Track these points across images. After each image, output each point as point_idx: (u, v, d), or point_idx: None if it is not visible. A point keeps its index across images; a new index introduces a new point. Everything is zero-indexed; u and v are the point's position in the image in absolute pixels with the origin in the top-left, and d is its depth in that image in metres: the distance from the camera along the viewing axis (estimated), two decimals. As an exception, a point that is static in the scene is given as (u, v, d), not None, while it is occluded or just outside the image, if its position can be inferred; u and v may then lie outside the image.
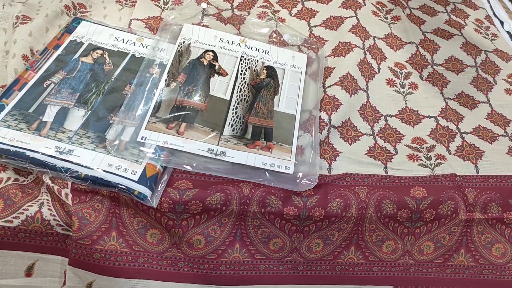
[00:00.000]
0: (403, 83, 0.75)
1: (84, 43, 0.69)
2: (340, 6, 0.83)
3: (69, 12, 0.76)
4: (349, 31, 0.77)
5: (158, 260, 0.57)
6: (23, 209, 0.54)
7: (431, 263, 0.64)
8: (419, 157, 0.66)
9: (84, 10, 0.78)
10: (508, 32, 0.91)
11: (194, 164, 0.57)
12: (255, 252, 0.60)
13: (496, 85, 0.79)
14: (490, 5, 0.96)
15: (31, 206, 0.54)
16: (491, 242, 0.65)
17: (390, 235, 0.62)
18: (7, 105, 0.60)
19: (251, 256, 0.60)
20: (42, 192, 0.56)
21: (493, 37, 0.88)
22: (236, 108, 0.64)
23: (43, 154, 0.55)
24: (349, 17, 0.81)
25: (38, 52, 0.68)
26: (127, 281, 0.55)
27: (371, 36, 0.78)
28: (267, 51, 0.73)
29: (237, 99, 0.65)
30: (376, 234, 0.62)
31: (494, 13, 0.95)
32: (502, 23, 0.93)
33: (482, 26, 0.90)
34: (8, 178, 0.56)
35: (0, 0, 0.76)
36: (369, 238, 0.62)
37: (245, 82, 0.67)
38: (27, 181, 0.57)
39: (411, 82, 0.76)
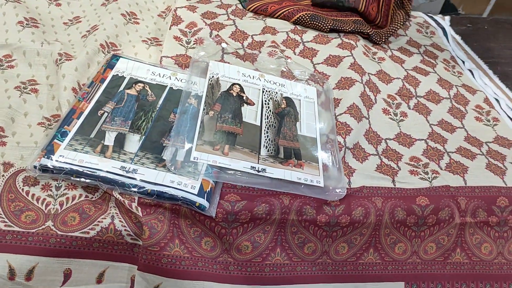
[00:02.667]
0: (396, 112, 0.89)
1: (125, 77, 0.77)
2: (337, 47, 0.97)
3: (104, 50, 0.84)
4: (348, 68, 0.91)
5: (213, 265, 0.65)
6: (98, 221, 0.61)
7: (434, 261, 0.76)
8: (418, 172, 0.78)
9: (115, 48, 0.86)
10: (470, 70, 1.08)
11: (241, 179, 0.67)
12: (292, 256, 0.69)
13: (468, 114, 0.94)
14: (452, 48, 1.14)
15: (105, 218, 0.61)
16: (480, 242, 0.78)
17: (401, 238, 0.74)
18: (69, 131, 0.67)
19: (289, 259, 0.69)
20: (110, 207, 0.63)
21: (459, 75, 1.05)
22: (267, 132, 0.74)
23: (112, 173, 0.62)
24: (346, 56, 0.94)
25: (85, 85, 0.75)
26: (190, 283, 0.63)
27: (366, 72, 0.92)
28: (283, 84, 0.84)
29: (266, 125, 0.75)
30: (390, 238, 0.73)
31: (456, 55, 1.13)
32: (463, 62, 1.10)
33: (449, 65, 1.07)
34: (80, 195, 0.63)
35: (38, 39, 0.83)
36: (384, 241, 0.73)
37: (270, 110, 0.78)
38: (95, 197, 0.63)
39: (402, 111, 0.89)
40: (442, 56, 1.09)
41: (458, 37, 1.21)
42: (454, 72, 1.05)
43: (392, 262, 0.74)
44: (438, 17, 1.25)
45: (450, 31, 1.22)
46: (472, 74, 1.07)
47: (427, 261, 0.76)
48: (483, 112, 0.95)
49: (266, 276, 0.68)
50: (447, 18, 1.27)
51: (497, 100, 1.00)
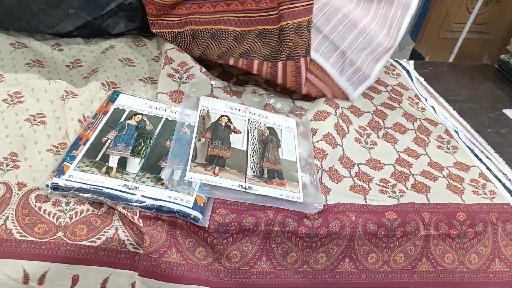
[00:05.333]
0: (367, 141, 1.00)
1: (126, 110, 0.87)
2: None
3: (105, 88, 0.94)
4: (324, 103, 1.02)
5: (205, 272, 0.73)
6: (104, 232, 0.68)
7: (403, 270, 0.84)
8: (387, 191, 0.88)
9: (115, 86, 0.96)
10: (432, 107, 1.21)
11: (230, 196, 0.75)
12: (276, 264, 0.77)
13: (430, 143, 1.06)
14: (416, 87, 1.27)
15: (110, 229, 0.69)
16: (443, 252, 0.87)
17: (373, 248, 0.83)
18: (77, 155, 0.75)
19: (274, 267, 0.77)
20: (114, 219, 0.70)
21: (422, 110, 1.17)
22: (253, 156, 0.84)
23: (116, 189, 0.71)
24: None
25: (90, 117, 0.85)
26: (185, 287, 0.70)
27: (339, 106, 1.03)
28: (266, 116, 0.95)
29: (252, 150, 0.85)
30: (363, 248, 0.82)
31: (420, 93, 1.26)
32: (426, 100, 1.23)
33: (413, 102, 1.19)
34: (88, 210, 0.70)
35: (45, 78, 0.93)
36: (358, 251, 0.82)
37: (254, 138, 0.88)
38: (101, 212, 0.71)
39: (372, 140, 1.00)
40: (407, 94, 1.22)
41: (421, 79, 1.35)
42: (418, 107, 1.17)
43: (365, 271, 0.82)
44: (403, 61, 1.40)
45: (414, 73, 1.36)
46: (434, 110, 1.20)
47: (397, 270, 0.84)
48: (444, 141, 1.07)
49: (253, 283, 0.75)
50: (411, 62, 1.41)
51: (456, 131, 1.12)
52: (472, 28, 3.02)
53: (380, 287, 0.82)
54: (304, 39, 0.97)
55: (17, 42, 1.01)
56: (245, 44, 0.99)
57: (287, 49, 0.97)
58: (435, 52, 2.91)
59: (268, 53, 0.99)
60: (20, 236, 0.66)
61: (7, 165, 0.74)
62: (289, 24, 0.95)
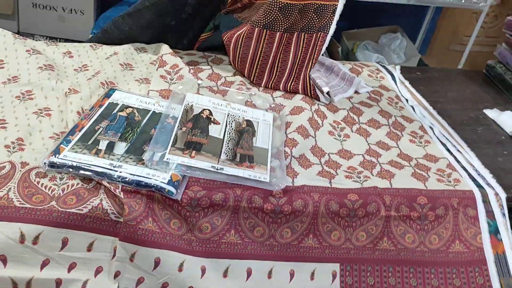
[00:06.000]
0: (340, 134, 1.09)
1: (119, 104, 0.99)
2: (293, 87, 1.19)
3: (104, 86, 1.06)
4: (300, 100, 1.12)
5: (179, 240, 0.83)
6: (90, 202, 0.80)
7: (365, 247, 0.92)
8: (352, 177, 0.97)
9: (113, 85, 1.09)
10: (412, 106, 1.29)
11: (203, 175, 0.86)
12: (244, 237, 0.87)
13: (403, 137, 1.14)
14: (398, 89, 1.36)
15: (95, 200, 0.80)
16: (404, 232, 0.94)
17: (336, 227, 0.91)
18: (72, 139, 0.87)
19: (241, 239, 0.86)
20: (100, 192, 0.82)
21: (400, 108, 1.25)
22: (228, 143, 0.94)
23: (102, 167, 0.82)
24: (299, 92, 1.16)
25: (87, 109, 0.97)
26: (158, 251, 0.80)
27: (316, 103, 1.13)
28: (245, 111, 1.05)
29: (228, 138, 0.96)
30: (326, 226, 0.90)
31: (401, 94, 1.34)
32: (407, 100, 1.31)
33: (393, 102, 1.28)
34: (78, 184, 0.82)
35: (53, 79, 1.07)
36: (322, 229, 0.90)
37: (232, 128, 0.99)
38: (89, 186, 0.83)
39: (345, 134, 1.09)
40: (387, 95, 1.30)
41: (406, 82, 1.43)
42: (396, 106, 1.26)
43: (328, 247, 0.91)
44: (390, 66, 1.48)
45: (399, 76, 1.44)
46: (414, 109, 1.28)
47: (359, 247, 0.92)
48: (417, 136, 1.15)
49: (222, 252, 0.85)
50: (398, 67, 1.50)
51: (431, 128, 1.19)
52: (483, 42, 3.07)
53: (342, 262, 0.90)
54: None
55: (32, 49, 1.16)
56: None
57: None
58: (446, 64, 2.96)
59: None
60: (20, 204, 0.78)
61: (13, 148, 0.87)
62: None
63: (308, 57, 1.17)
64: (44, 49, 1.19)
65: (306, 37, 1.17)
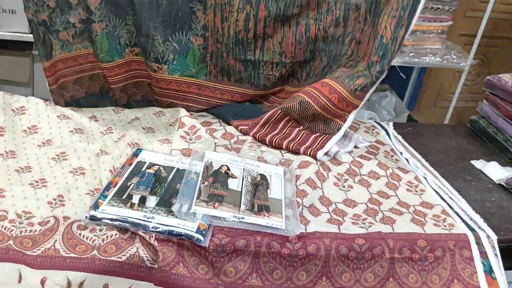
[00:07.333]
0: (344, 185, 1.20)
1: (146, 162, 1.11)
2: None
3: (131, 147, 1.18)
4: (307, 155, 1.24)
5: (207, 284, 0.92)
6: (127, 250, 0.89)
7: (374, 288, 1.02)
8: (358, 223, 1.07)
9: (139, 145, 1.21)
10: (406, 159, 1.42)
11: (226, 224, 0.96)
12: (265, 280, 0.96)
13: (400, 187, 1.25)
14: (393, 143, 1.49)
15: (132, 248, 0.90)
16: (407, 273, 1.04)
17: (346, 269, 1.00)
18: (108, 195, 0.98)
19: (262, 282, 0.96)
20: (136, 242, 0.91)
21: (396, 161, 1.38)
22: (246, 195, 1.05)
23: (137, 219, 0.93)
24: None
25: (118, 168, 1.08)
26: (191, 294, 0.89)
27: (320, 158, 1.25)
28: (258, 165, 1.17)
29: (245, 191, 1.07)
30: (337, 268, 1.00)
31: (396, 148, 1.47)
32: (401, 153, 1.44)
33: (389, 155, 1.41)
34: (116, 234, 0.92)
35: (84, 141, 1.18)
36: (333, 271, 1.00)
37: (248, 182, 1.10)
38: (125, 236, 0.92)
39: (349, 184, 1.21)
40: (383, 149, 1.43)
41: (399, 136, 1.57)
42: (392, 159, 1.38)
43: (340, 288, 1.00)
44: (383, 123, 1.62)
45: (393, 132, 1.58)
46: (408, 161, 1.40)
47: (368, 288, 1.01)
48: (413, 185, 1.27)
49: (246, 294, 0.94)
50: (391, 123, 1.64)
51: (425, 178, 1.32)
52: (467, 98, 3.27)
53: (353, 302, 0.99)
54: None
55: (62, 115, 1.28)
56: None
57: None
58: (433, 119, 3.14)
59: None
60: (65, 253, 0.87)
61: (55, 204, 0.97)
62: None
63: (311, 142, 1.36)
64: (72, 114, 1.32)
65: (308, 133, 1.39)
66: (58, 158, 1.12)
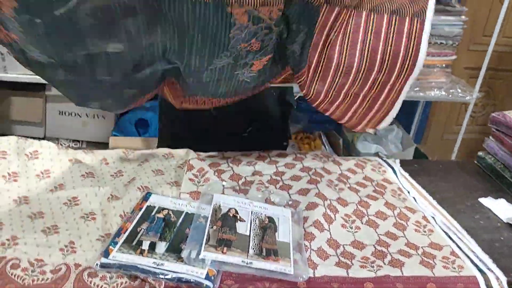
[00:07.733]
0: (351, 226, 1.21)
1: (156, 206, 1.13)
2: (307, 182, 1.33)
3: (140, 190, 1.21)
4: (314, 196, 1.25)
5: (217, 329, 0.92)
6: (138, 297, 0.90)
7: (384, 333, 1.01)
8: (366, 266, 1.07)
9: (148, 189, 1.23)
10: (414, 197, 1.42)
11: (235, 269, 0.97)
12: (274, 324, 0.96)
13: (408, 227, 1.26)
14: (400, 181, 1.50)
15: (143, 295, 0.91)
16: (419, 314, 1.03)
17: (356, 313, 1.00)
18: (119, 241, 1.00)
19: (272, 326, 0.96)
20: (146, 289, 0.93)
21: (403, 200, 1.39)
22: (254, 239, 1.06)
23: (147, 266, 0.94)
24: (312, 188, 1.30)
25: (128, 212, 1.10)
26: None
27: (328, 198, 1.26)
28: (266, 208, 1.18)
29: (254, 234, 1.08)
30: (347, 313, 1.00)
31: (403, 186, 1.48)
32: (409, 192, 1.45)
33: (396, 194, 1.41)
34: (126, 282, 0.93)
35: (95, 185, 1.21)
36: (343, 315, 1.00)
37: (256, 225, 1.11)
38: (135, 283, 0.93)
39: (356, 226, 1.21)
40: (390, 187, 1.44)
41: (406, 174, 1.57)
42: (399, 198, 1.39)
43: (352, 332, 0.99)
44: (390, 160, 1.64)
45: (400, 169, 1.59)
46: (415, 200, 1.41)
47: (378, 333, 1.01)
48: (421, 225, 1.27)
49: None
50: (397, 160, 1.65)
51: (433, 217, 1.32)
52: (474, 129, 3.28)
53: None
54: None
55: (74, 159, 1.31)
56: None
57: None
58: (441, 152, 3.14)
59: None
60: (78, 301, 0.88)
61: (67, 251, 0.99)
62: None
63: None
64: (83, 157, 1.35)
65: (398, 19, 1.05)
66: (70, 203, 1.14)
